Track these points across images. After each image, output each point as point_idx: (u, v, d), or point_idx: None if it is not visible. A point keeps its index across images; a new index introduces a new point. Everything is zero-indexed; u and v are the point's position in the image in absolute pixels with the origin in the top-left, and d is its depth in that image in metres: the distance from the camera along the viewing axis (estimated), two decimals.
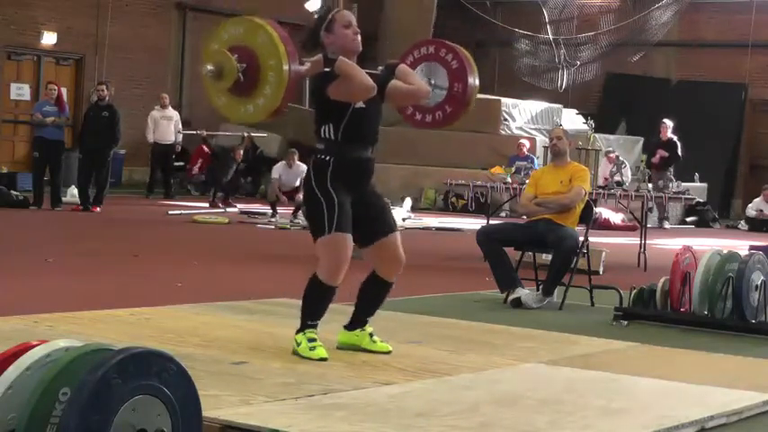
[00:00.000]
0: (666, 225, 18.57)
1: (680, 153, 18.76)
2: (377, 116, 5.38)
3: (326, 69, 5.14)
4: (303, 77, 5.16)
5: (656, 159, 18.39)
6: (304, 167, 15.24)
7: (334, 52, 5.20)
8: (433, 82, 5.84)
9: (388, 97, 5.38)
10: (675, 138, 18.72)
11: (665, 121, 19.00)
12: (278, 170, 15.87)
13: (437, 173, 19.22)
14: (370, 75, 5.29)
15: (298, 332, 5.25)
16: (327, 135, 5.25)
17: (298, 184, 15.24)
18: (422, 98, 5.59)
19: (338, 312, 5.65)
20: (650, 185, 12.93)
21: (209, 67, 5.06)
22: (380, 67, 5.47)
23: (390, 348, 5.40)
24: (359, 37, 5.31)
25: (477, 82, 5.90)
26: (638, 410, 4.42)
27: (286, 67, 4.92)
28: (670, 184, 13.78)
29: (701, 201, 19.39)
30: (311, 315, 5.26)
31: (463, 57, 5.86)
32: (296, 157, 15.81)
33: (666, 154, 18.60)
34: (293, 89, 5.06)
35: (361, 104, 5.22)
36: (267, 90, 5.00)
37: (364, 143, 5.31)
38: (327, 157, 5.23)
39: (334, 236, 5.15)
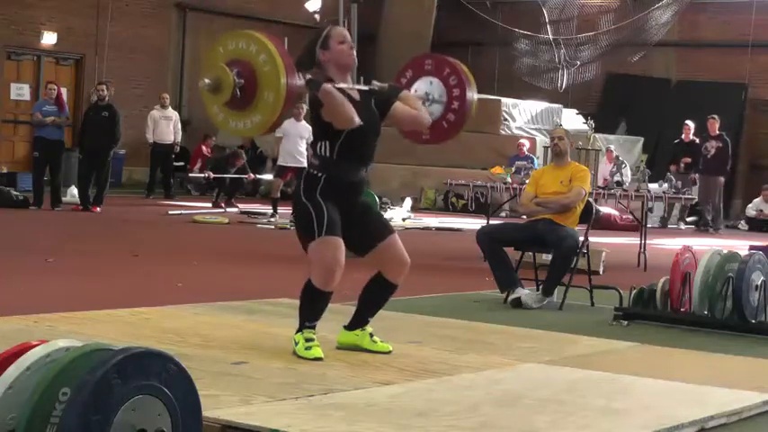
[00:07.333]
0: (710, 230, 18.21)
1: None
2: (375, 135, 5.37)
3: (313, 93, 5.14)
4: (301, 93, 5.15)
5: (679, 167, 18.36)
6: (308, 127, 14.67)
7: (330, 71, 5.22)
8: (431, 97, 5.83)
9: (390, 118, 5.40)
10: (698, 140, 18.74)
11: (688, 122, 19.00)
12: (283, 128, 14.96)
13: (437, 173, 19.22)
14: (361, 91, 5.31)
15: (297, 332, 5.26)
16: (323, 152, 5.23)
17: (302, 147, 14.62)
18: (423, 126, 5.58)
19: (338, 312, 5.65)
20: (666, 186, 12.92)
21: (207, 81, 5.05)
22: (375, 82, 5.45)
23: (391, 348, 5.40)
24: (354, 52, 5.33)
25: (475, 96, 5.88)
26: (638, 410, 4.42)
27: (284, 81, 4.91)
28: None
29: None
30: (308, 317, 5.26)
31: (461, 71, 5.84)
32: (303, 111, 14.71)
33: (690, 160, 18.58)
34: (291, 103, 5.04)
35: (359, 121, 5.22)
36: (264, 105, 4.99)
37: (359, 163, 5.30)
38: (320, 174, 5.22)
39: (324, 239, 5.13)
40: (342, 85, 5.24)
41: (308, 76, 5.11)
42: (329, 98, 5.09)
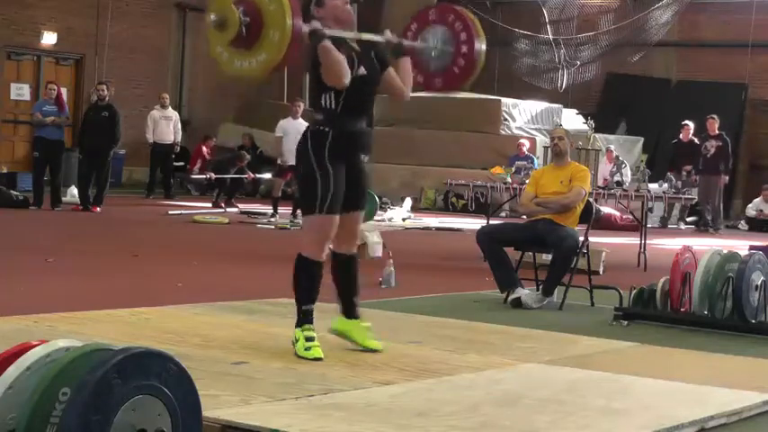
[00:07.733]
0: (710, 230, 18.13)
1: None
2: (375, 85, 5.40)
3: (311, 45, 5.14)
4: (304, 36, 5.12)
5: (680, 173, 18.29)
6: (306, 124, 14.75)
7: (329, 26, 5.19)
8: (436, 45, 5.81)
9: (383, 77, 5.43)
10: (697, 140, 18.70)
11: (687, 122, 18.94)
12: (282, 127, 15.21)
13: (437, 173, 19.21)
14: (362, 42, 5.29)
15: (296, 326, 5.25)
16: (327, 105, 5.26)
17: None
18: (402, 100, 5.61)
19: (337, 313, 5.64)
20: (665, 186, 12.90)
21: (213, 17, 5.04)
22: (387, 32, 5.43)
23: (381, 347, 5.38)
24: (349, 6, 5.32)
25: (483, 46, 5.86)
26: (638, 410, 4.42)
27: (290, 22, 4.89)
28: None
29: None
30: (305, 298, 5.28)
31: (466, 17, 5.84)
32: (301, 109, 14.96)
33: (690, 167, 18.52)
34: (296, 46, 5.01)
35: (363, 71, 5.24)
36: (270, 44, 4.97)
37: (362, 113, 5.33)
38: (326, 129, 5.25)
39: (324, 217, 5.22)
40: (346, 34, 5.24)
41: (314, 25, 5.09)
42: (326, 55, 5.09)
